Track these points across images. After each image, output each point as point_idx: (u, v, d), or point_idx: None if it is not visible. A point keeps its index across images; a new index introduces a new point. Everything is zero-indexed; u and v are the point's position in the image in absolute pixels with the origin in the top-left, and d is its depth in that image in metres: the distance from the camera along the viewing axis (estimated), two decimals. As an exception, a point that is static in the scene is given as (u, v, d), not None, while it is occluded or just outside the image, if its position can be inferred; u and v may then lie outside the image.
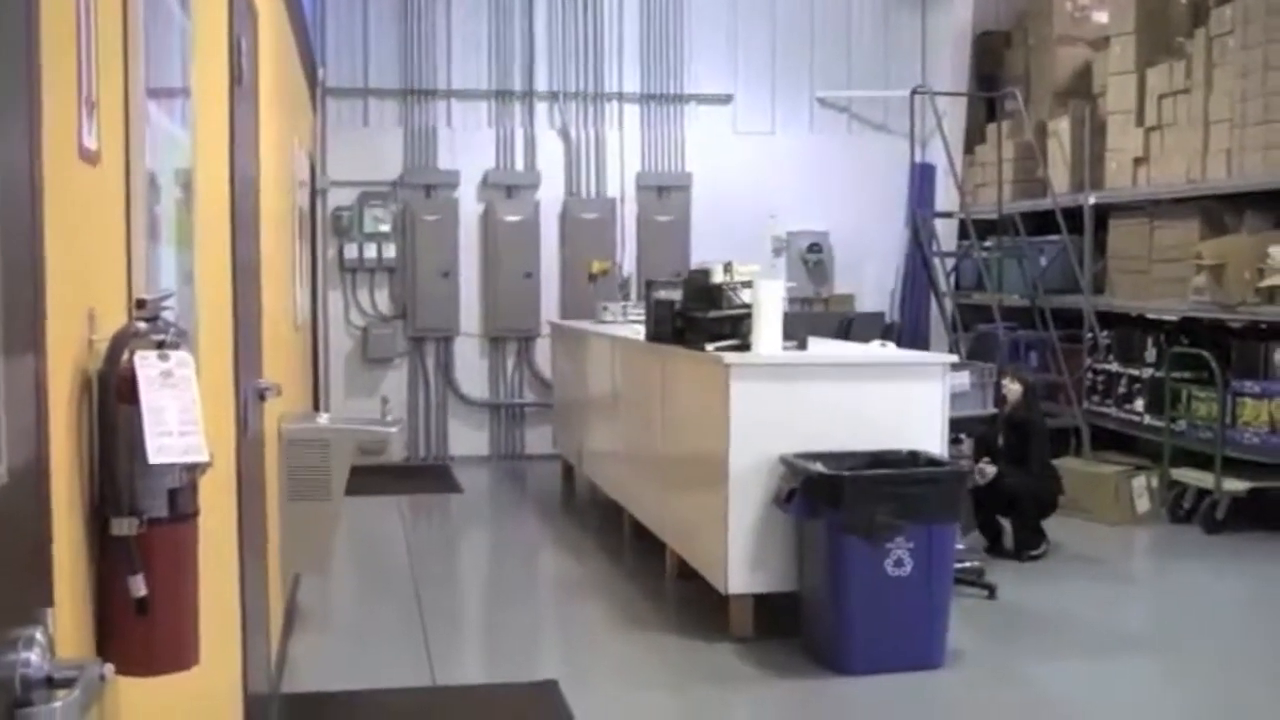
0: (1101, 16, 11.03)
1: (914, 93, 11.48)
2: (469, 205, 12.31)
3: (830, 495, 5.94)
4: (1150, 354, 9.86)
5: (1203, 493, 9.11)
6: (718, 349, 6.71)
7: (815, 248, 12.60)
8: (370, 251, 12.07)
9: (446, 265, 12.15)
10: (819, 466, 6.10)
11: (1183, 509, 9.27)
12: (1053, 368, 10.68)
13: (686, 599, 7.17)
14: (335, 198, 11.99)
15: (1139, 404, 9.88)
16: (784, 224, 12.65)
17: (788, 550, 6.43)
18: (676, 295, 7.53)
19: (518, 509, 10.59)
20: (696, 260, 12.35)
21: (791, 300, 12.44)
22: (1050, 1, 11.48)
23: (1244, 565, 8.20)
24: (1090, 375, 10.44)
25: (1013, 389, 7.92)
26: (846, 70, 12.80)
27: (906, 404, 6.56)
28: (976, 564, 7.52)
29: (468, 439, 12.41)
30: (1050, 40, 11.48)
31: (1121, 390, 10.03)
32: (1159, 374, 9.58)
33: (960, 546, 7.34)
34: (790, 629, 6.40)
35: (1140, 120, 9.99)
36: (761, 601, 6.54)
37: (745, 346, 6.69)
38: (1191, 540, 8.81)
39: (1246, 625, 7.00)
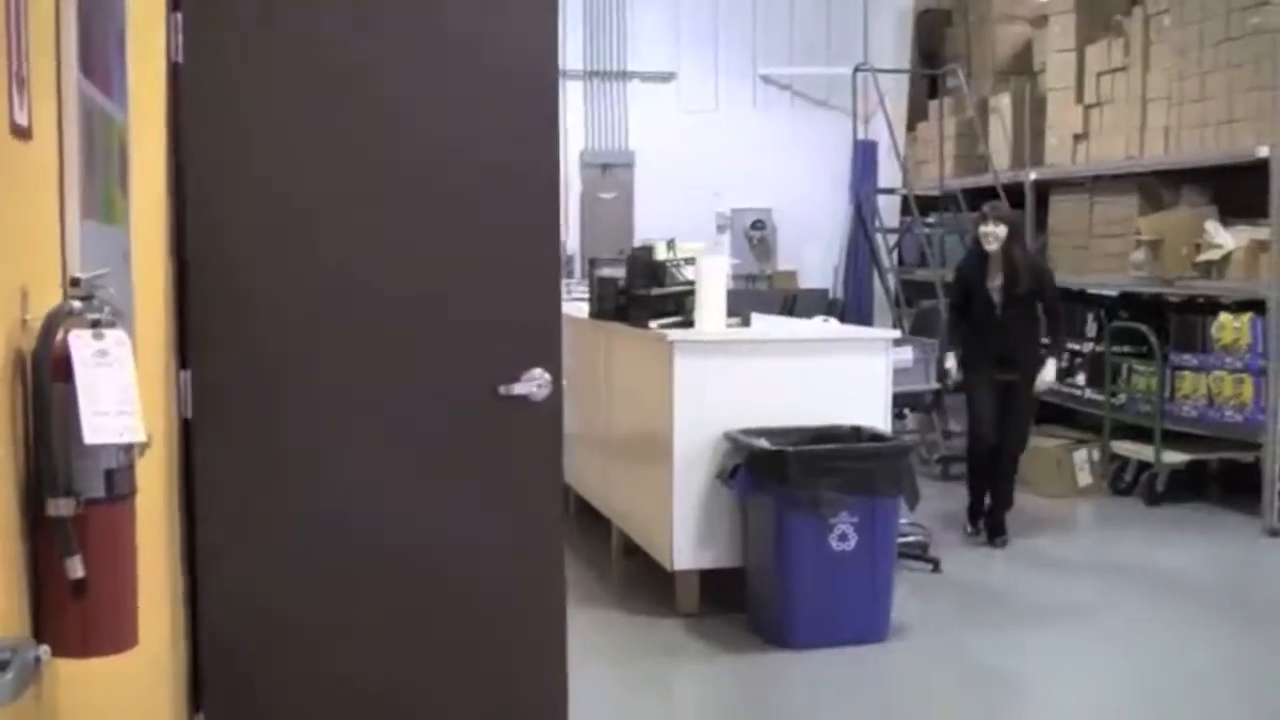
0: (1043, -6, 11.10)
1: (856, 70, 11.52)
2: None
3: (775, 471, 5.95)
4: (1091, 328, 9.95)
5: (1143, 465, 9.22)
6: (661, 326, 6.71)
7: (759, 224, 12.63)
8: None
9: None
10: (763, 442, 6.11)
11: (1124, 482, 9.38)
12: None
13: (632, 576, 7.19)
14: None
15: (1080, 378, 9.97)
16: (728, 201, 12.67)
17: (733, 526, 6.45)
18: (620, 273, 7.52)
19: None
20: (640, 238, 12.39)
21: (736, 277, 12.53)
22: (991, -20, 11.54)
23: (1183, 536, 8.31)
24: (1032, 350, 10.50)
25: (996, 231, 7.66)
26: (789, 48, 12.83)
27: (850, 380, 6.59)
28: (921, 538, 7.57)
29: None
30: (991, 18, 11.54)
31: (1063, 364, 10.09)
32: (1099, 348, 9.67)
33: (904, 520, 7.40)
34: (736, 604, 6.41)
35: (1080, 97, 10.07)
36: (707, 577, 6.56)
37: (689, 324, 6.69)
38: (1132, 512, 8.91)
39: (1187, 595, 7.08)
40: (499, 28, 3.89)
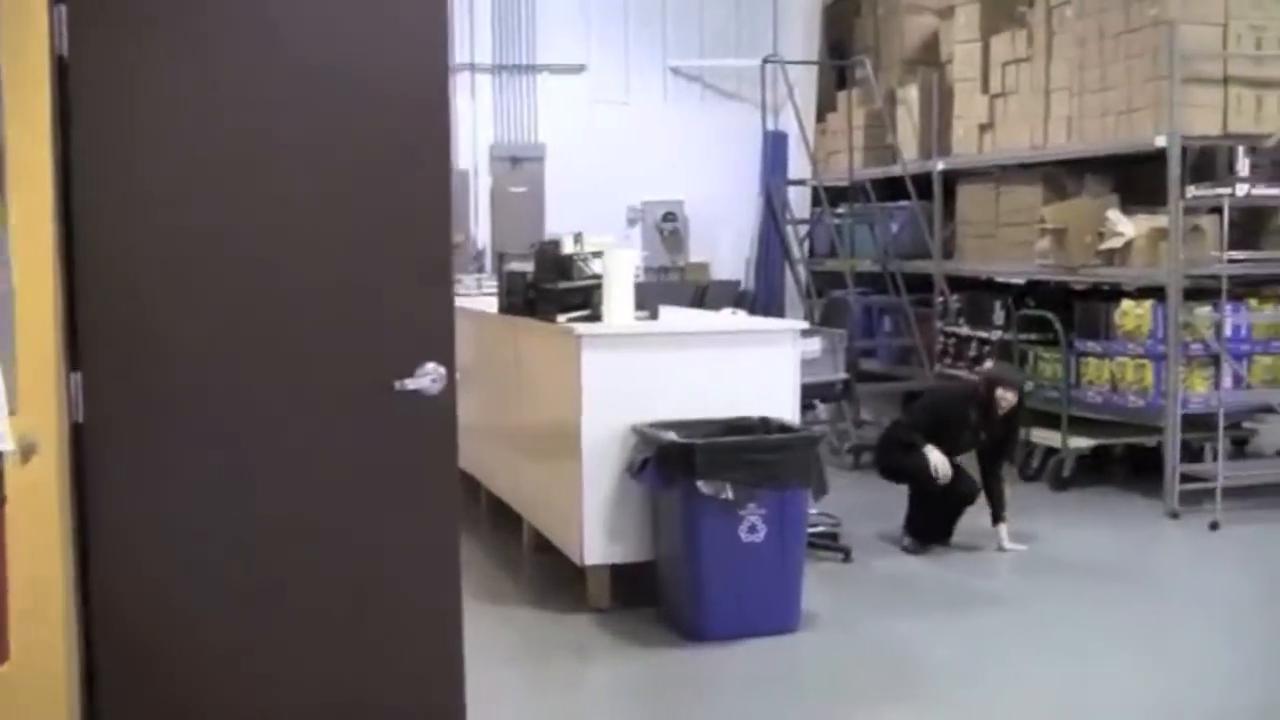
0: (950, -14, 11.17)
1: (765, 62, 11.54)
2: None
3: (683, 464, 5.94)
4: (999, 316, 10.05)
5: (1050, 451, 9.33)
6: (569, 320, 6.69)
7: (670, 217, 12.64)
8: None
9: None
10: (671, 436, 6.11)
11: (1032, 468, 9.49)
12: (904, 332, 10.85)
13: (544, 572, 7.16)
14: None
15: (989, 365, 10.06)
16: (639, 193, 12.66)
17: (643, 520, 6.44)
18: (529, 267, 7.48)
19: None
20: (551, 231, 12.36)
21: (647, 269, 12.56)
22: (897, -30, 11.61)
23: (1089, 520, 8.43)
24: (941, 338, 10.61)
25: (1008, 398, 7.62)
26: (699, 40, 12.84)
27: (758, 371, 6.59)
28: (832, 528, 7.61)
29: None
30: (899, 9, 11.63)
31: (972, 353, 10.21)
32: (1007, 336, 9.77)
33: (814, 510, 7.44)
34: (648, 599, 6.41)
35: (985, 88, 10.17)
36: (619, 572, 6.54)
37: (596, 317, 6.67)
38: (1040, 498, 9.01)
39: (1092, 578, 7.18)
40: (388, 21, 3.85)
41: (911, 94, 11.16)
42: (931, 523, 7.64)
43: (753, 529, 6.00)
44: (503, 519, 8.05)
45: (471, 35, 12.43)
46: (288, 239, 3.80)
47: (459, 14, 12.38)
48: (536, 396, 7.30)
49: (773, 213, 11.50)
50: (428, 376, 3.92)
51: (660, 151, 12.60)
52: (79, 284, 3.61)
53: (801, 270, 11.43)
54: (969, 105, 10.36)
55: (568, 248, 7.10)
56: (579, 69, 12.64)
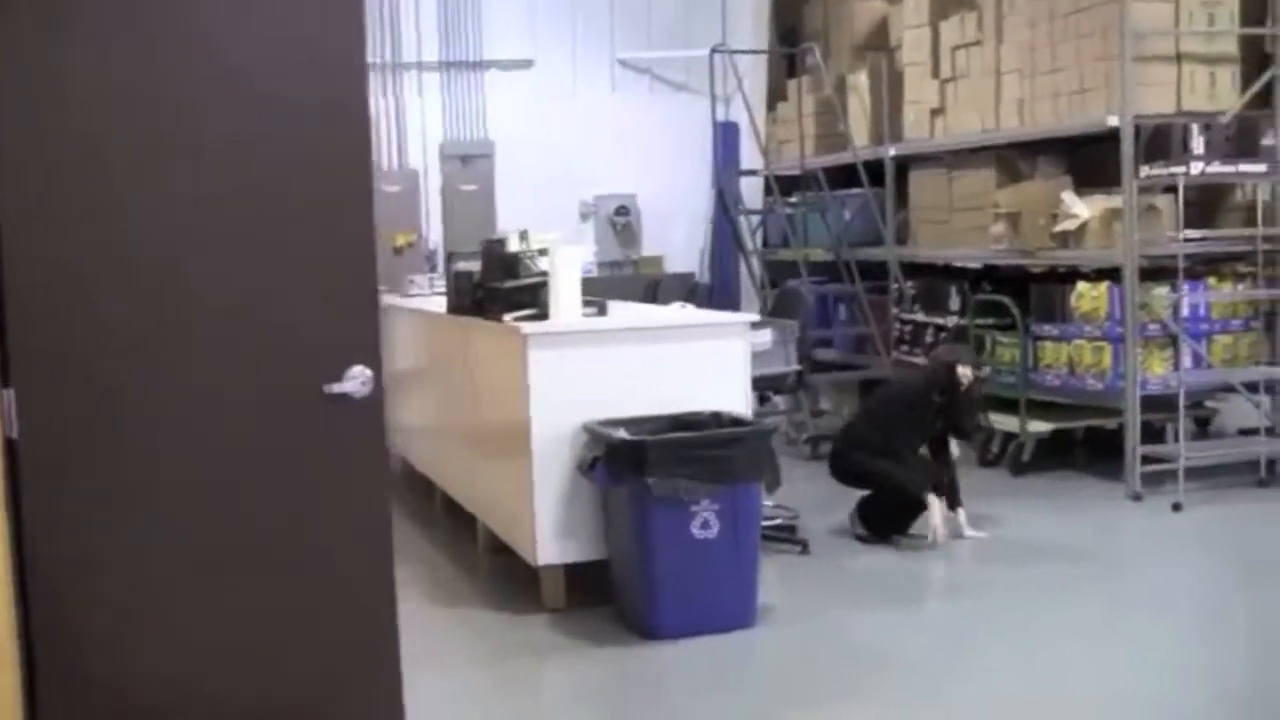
0: (897, -30, 11.08)
1: (713, 51, 11.43)
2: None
3: (633, 461, 5.84)
4: (955, 302, 9.97)
5: (1009, 436, 9.26)
6: (516, 319, 6.57)
7: (623, 210, 12.54)
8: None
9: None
10: (622, 433, 6.01)
11: (991, 453, 9.42)
12: (860, 320, 10.78)
13: (499, 573, 7.06)
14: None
15: (939, 349, 9.97)
16: (590, 188, 12.55)
17: (596, 519, 6.34)
18: (476, 266, 7.37)
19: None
20: (503, 228, 12.23)
21: (601, 264, 12.48)
22: (845, -43, 11.52)
23: (1049, 505, 8.36)
24: (898, 325, 10.53)
25: (968, 374, 7.58)
26: (647, 31, 12.73)
27: (708, 365, 6.50)
28: (789, 520, 7.52)
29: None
30: (847, -5, 11.54)
31: (929, 339, 10.12)
32: (964, 321, 9.70)
33: (771, 503, 7.35)
34: (603, 598, 6.31)
35: (935, 72, 10.09)
36: (574, 571, 6.44)
37: (544, 315, 6.57)
38: (1000, 484, 8.95)
39: (1053, 564, 7.11)
40: (306, 23, 3.76)
41: (862, 80, 11.07)
42: (888, 517, 7.55)
43: (705, 525, 5.91)
44: (459, 520, 7.94)
45: (418, 34, 12.30)
46: (215, 245, 3.72)
47: (404, 13, 12.26)
48: (486, 396, 7.19)
49: (724, 204, 11.40)
50: (356, 380, 3.81)
51: (611, 145, 12.50)
52: (7, 298, 3.53)
53: (755, 261, 11.33)
54: (919, 90, 10.27)
55: (513, 245, 6.98)
56: (527, 64, 12.52)
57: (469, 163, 12.37)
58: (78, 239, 3.59)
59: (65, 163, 3.57)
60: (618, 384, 6.36)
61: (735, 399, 6.49)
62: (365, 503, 3.92)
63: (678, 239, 12.75)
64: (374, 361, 3.85)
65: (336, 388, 3.78)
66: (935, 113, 10.10)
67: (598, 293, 8.94)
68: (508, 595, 6.69)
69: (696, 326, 6.74)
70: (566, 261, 6.58)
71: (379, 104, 12.20)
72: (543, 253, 6.80)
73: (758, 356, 7.09)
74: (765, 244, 12.03)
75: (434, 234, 12.12)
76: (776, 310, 8.68)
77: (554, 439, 6.31)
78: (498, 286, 6.87)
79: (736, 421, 6.28)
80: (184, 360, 3.70)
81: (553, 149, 12.32)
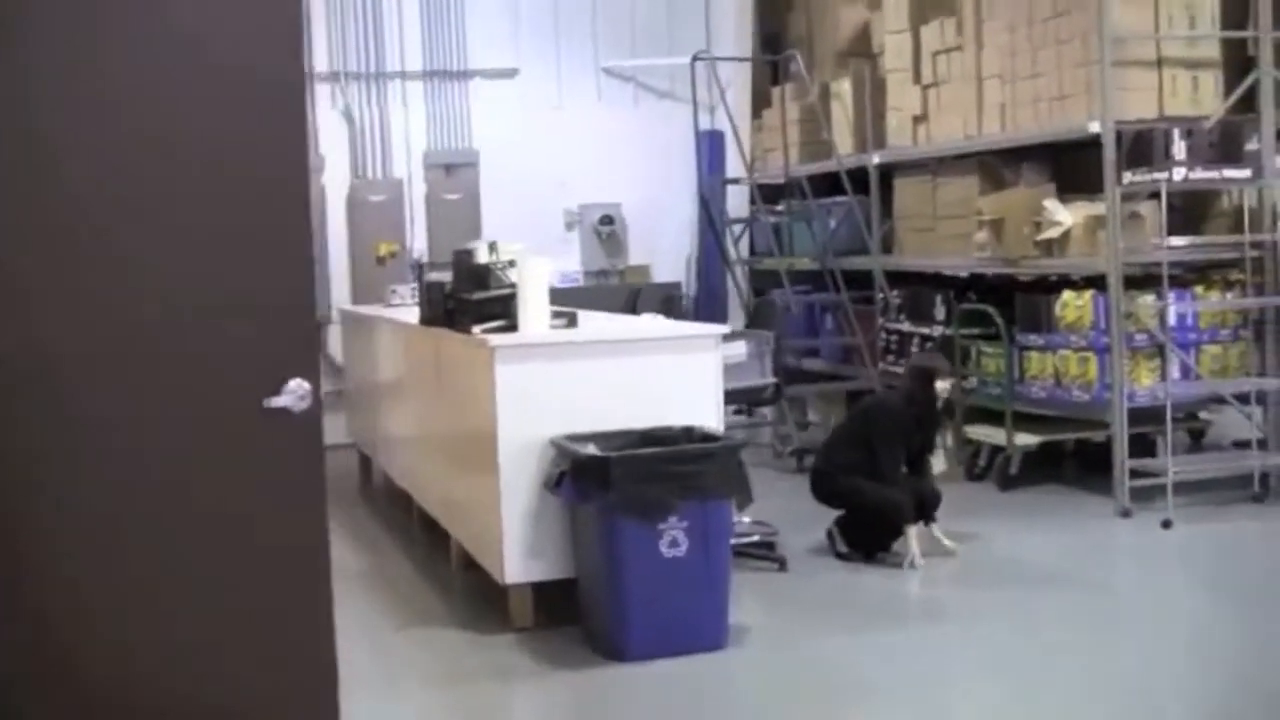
0: (879, -25, 10.96)
1: (695, 59, 11.32)
2: (251, 193, 11.86)
3: (599, 478, 5.72)
4: (940, 312, 9.84)
5: (996, 450, 9.12)
6: (484, 331, 6.46)
7: (608, 220, 12.42)
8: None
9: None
10: (591, 448, 5.89)
11: (978, 466, 9.29)
12: (847, 330, 10.65)
13: (471, 590, 6.94)
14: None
15: (913, 359, 9.83)
16: (575, 197, 12.43)
17: (565, 536, 6.22)
18: (448, 277, 7.27)
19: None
20: (488, 238, 12.11)
21: (586, 274, 12.36)
22: (828, -39, 11.40)
23: (1037, 521, 8.17)
24: (884, 335, 10.40)
25: (946, 387, 7.51)
26: (631, 39, 12.61)
27: (679, 378, 6.37)
28: (767, 536, 7.39)
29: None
30: (830, 2, 11.40)
31: (914, 349, 9.98)
32: (948, 332, 9.56)
33: (746, 519, 7.23)
34: (573, 617, 6.18)
35: (917, 78, 9.96)
36: (543, 590, 6.32)
37: (513, 327, 6.45)
38: (986, 498, 8.80)
39: (1039, 584, 6.92)
40: (237, 25, 3.66)
41: (845, 87, 10.94)
42: (868, 533, 7.40)
43: (674, 543, 5.78)
44: (436, 536, 7.82)
45: (401, 43, 12.18)
46: (148, 258, 3.64)
47: (388, 22, 12.15)
48: (456, 410, 7.08)
49: (709, 213, 11.27)
50: (294, 394, 3.74)
51: (595, 154, 12.37)
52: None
53: (738, 271, 11.21)
54: (902, 97, 10.15)
55: (481, 256, 6.87)
56: (511, 73, 12.39)
57: (453, 172, 12.26)
58: (7, 251, 3.51)
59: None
60: (587, 397, 6.25)
61: (707, 413, 6.36)
62: (302, 517, 3.87)
63: (664, 248, 12.61)
64: (312, 375, 3.79)
65: (275, 402, 3.72)
66: (918, 119, 9.97)
67: (579, 303, 8.83)
68: (476, 614, 6.57)
69: (666, 339, 6.60)
70: (533, 273, 6.46)
71: (363, 113, 12.11)
72: (511, 264, 6.69)
73: (733, 369, 6.97)
74: (752, 253, 11.89)
75: (419, 244, 11.99)
76: (753, 321, 8.55)
77: (522, 453, 6.19)
78: (467, 298, 6.76)
79: (707, 437, 6.15)
80: (119, 373, 3.63)
81: (537, 158, 12.20)
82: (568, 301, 9.98)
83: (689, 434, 6.19)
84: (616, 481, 5.67)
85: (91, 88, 3.56)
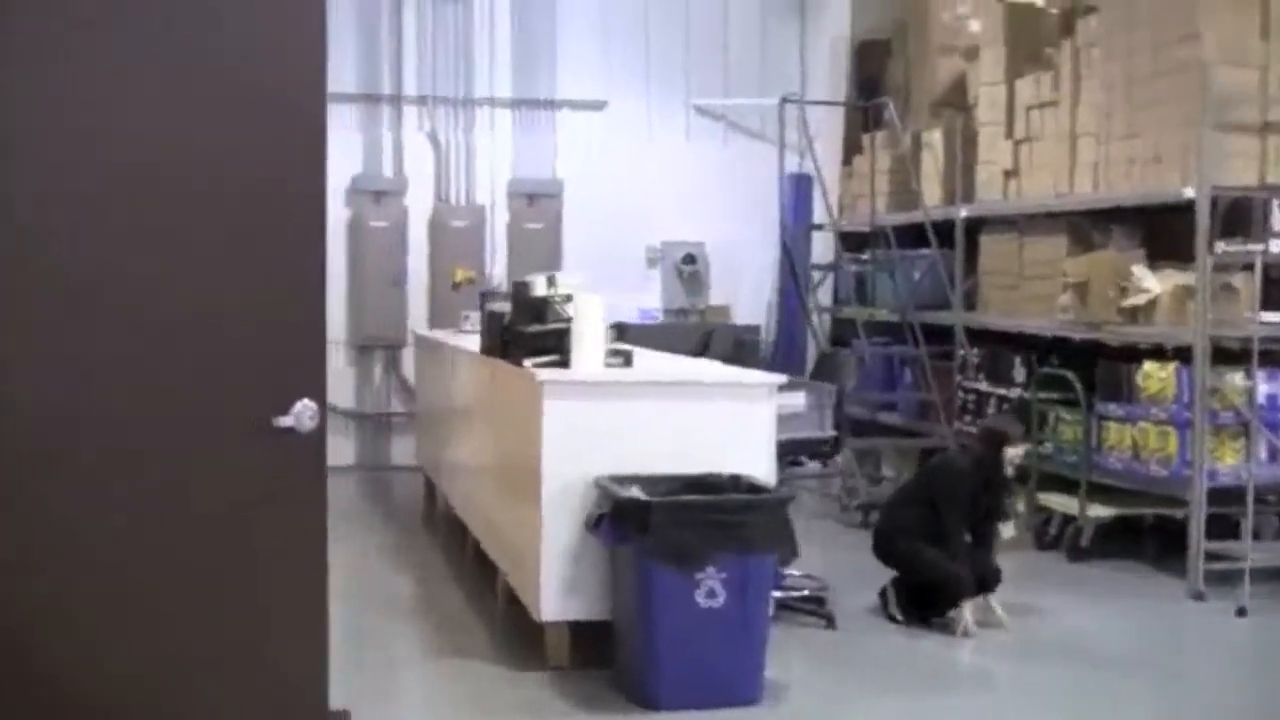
0: (977, 25, 10.72)
1: (783, 101, 11.15)
2: (335, 211, 11.82)
3: (638, 521, 5.56)
4: (1020, 373, 9.55)
5: (1068, 519, 8.81)
6: (536, 365, 6.34)
7: (690, 258, 12.26)
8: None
9: (310, 272, 11.70)
10: (634, 490, 5.73)
11: (1049, 535, 8.98)
12: (923, 385, 10.40)
13: (512, 625, 6.80)
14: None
15: (987, 421, 9.53)
16: (658, 233, 12.30)
17: (604, 576, 6.07)
18: (508, 308, 7.16)
19: (370, 524, 10.03)
20: (569, 269, 12.01)
21: (666, 311, 12.21)
22: (928, 10, 11.18)
23: (1103, 596, 7.86)
24: (961, 394, 10.12)
25: (1018, 454, 7.19)
26: (723, 78, 12.47)
27: (730, 426, 6.20)
28: (817, 592, 7.16)
29: (333, 448, 11.89)
30: (929, 49, 11.19)
31: (991, 410, 9.70)
32: (1027, 395, 9.27)
33: (795, 572, 7.01)
34: (609, 659, 6.02)
35: (1010, 132, 9.70)
36: (581, 629, 6.16)
37: (566, 363, 6.32)
38: (1054, 569, 8.49)
39: (1094, 663, 6.62)
40: (259, 49, 3.65)
41: (936, 137, 10.72)
42: (924, 597, 7.13)
43: (711, 593, 5.60)
44: (485, 566, 7.70)
45: (491, 69, 12.14)
46: (163, 276, 3.63)
47: (479, 48, 12.12)
48: (505, 442, 6.98)
49: (789, 257, 11.07)
50: (303, 413, 3.72)
51: (681, 191, 12.24)
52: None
53: (820, 318, 11.01)
54: (993, 150, 9.90)
55: (539, 290, 6.75)
56: (600, 105, 12.30)
57: (536, 201, 12.18)
58: (16, 270, 3.49)
59: (6, 192, 3.48)
60: (635, 439, 6.10)
61: (757, 463, 6.18)
62: (304, 535, 3.86)
63: (745, 290, 12.43)
64: (320, 395, 3.79)
65: (282, 421, 3.71)
66: (1008, 174, 9.72)
67: (651, 341, 8.70)
68: (514, 649, 6.45)
69: (720, 385, 6.43)
70: (589, 309, 6.32)
71: (448, 138, 12.07)
72: (569, 298, 6.55)
73: (791, 419, 6.78)
74: (836, 300, 11.67)
75: (498, 271, 11.92)
76: (818, 372, 8.33)
77: (565, 491, 6.06)
78: (521, 330, 6.64)
79: (754, 487, 5.96)
80: (127, 390, 3.61)
81: (622, 192, 12.09)
82: (641, 339, 9.85)
83: (736, 483, 6.01)
84: (655, 526, 5.51)
85: (105, 107, 3.54)
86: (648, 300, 12.25)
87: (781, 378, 6.39)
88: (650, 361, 6.96)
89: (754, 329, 11.99)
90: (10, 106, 3.45)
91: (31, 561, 3.57)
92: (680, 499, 5.69)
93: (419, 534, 9.57)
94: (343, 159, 11.84)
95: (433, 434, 10.10)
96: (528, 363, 6.39)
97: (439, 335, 10.04)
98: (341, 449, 12.02)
